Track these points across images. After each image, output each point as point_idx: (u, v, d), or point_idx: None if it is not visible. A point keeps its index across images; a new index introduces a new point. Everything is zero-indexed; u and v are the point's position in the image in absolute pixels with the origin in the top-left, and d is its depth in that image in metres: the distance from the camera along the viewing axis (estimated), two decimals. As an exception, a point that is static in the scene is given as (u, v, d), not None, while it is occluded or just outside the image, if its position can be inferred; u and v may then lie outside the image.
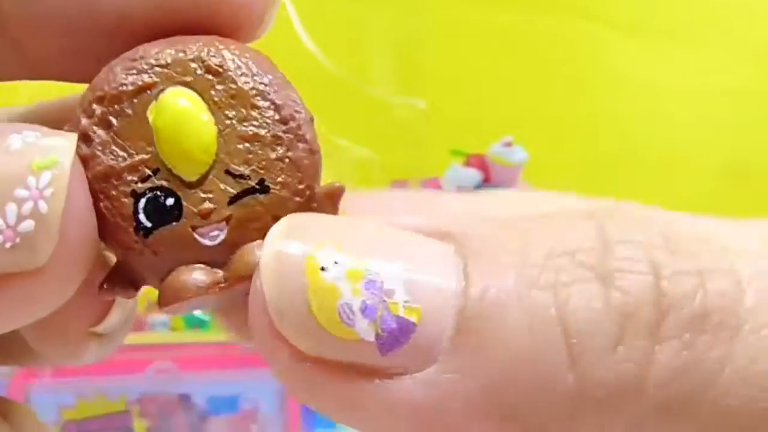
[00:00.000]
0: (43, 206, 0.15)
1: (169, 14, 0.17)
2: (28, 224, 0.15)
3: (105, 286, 0.17)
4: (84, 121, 0.17)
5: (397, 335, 0.15)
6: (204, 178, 0.17)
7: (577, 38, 0.70)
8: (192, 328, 0.71)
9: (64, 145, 0.16)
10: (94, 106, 0.17)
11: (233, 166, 0.17)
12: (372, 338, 0.15)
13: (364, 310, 0.15)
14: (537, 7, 0.71)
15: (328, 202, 0.17)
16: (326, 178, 0.17)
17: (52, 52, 0.18)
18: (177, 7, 0.17)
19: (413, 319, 0.15)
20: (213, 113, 0.17)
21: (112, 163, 0.17)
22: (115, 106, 0.17)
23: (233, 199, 0.17)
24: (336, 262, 0.15)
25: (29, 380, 0.68)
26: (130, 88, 0.17)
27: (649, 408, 0.14)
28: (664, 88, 0.71)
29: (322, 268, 0.15)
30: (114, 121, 0.17)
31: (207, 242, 0.16)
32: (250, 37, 0.18)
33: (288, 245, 0.15)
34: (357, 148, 0.67)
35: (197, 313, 0.69)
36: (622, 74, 0.70)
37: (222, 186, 0.17)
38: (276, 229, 0.16)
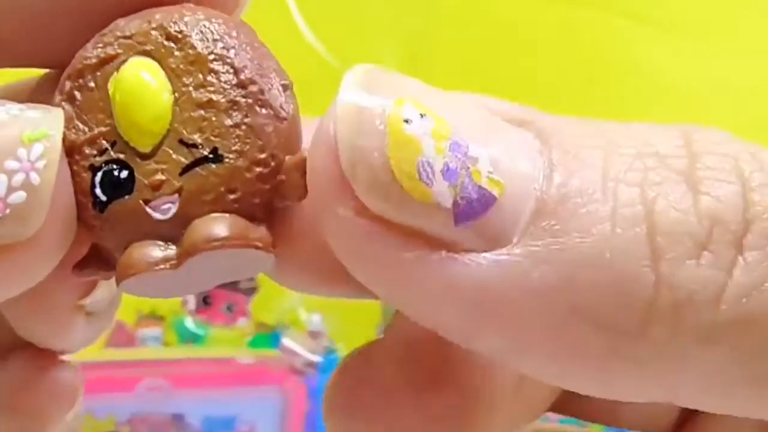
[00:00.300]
0: (35, 178, 0.15)
1: None
2: (18, 196, 0.15)
3: (79, 267, 0.17)
4: (57, 98, 0.17)
5: (475, 206, 0.14)
6: (157, 148, 0.16)
7: (600, 33, 0.69)
8: (186, 343, 0.69)
9: (53, 117, 0.16)
10: (66, 82, 0.17)
11: (186, 134, 0.16)
12: (449, 204, 0.14)
13: (446, 171, 0.14)
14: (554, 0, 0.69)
15: (297, 174, 0.16)
16: None
17: (23, 35, 0.18)
18: None
19: (495, 192, 0.14)
20: (171, 81, 0.16)
21: (74, 137, 0.16)
22: (80, 81, 0.17)
23: (185, 170, 0.16)
24: (422, 116, 0.14)
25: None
26: (93, 61, 0.17)
27: (724, 320, 0.14)
28: (700, 89, 0.68)
29: (406, 120, 0.14)
30: (78, 95, 0.17)
31: (158, 216, 0.16)
32: (230, 9, 0.18)
33: (367, 93, 0.14)
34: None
35: (191, 327, 0.68)
36: (654, 73, 0.68)
37: (174, 156, 0.16)
38: (351, 78, 0.15)
